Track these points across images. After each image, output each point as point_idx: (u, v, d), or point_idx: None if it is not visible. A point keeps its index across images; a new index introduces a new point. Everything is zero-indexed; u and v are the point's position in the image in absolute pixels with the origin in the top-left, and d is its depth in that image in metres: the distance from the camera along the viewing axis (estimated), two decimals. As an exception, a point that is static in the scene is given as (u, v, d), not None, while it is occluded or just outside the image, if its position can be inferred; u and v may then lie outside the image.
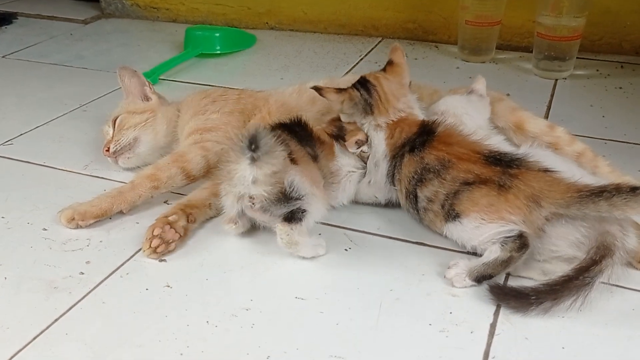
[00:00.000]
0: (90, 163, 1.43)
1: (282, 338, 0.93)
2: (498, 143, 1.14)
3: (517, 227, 0.98)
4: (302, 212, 1.05)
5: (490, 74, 1.90)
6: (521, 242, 0.98)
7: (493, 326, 0.94)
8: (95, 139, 1.49)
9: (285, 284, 1.04)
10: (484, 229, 1.01)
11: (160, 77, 1.92)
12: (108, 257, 1.11)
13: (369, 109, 1.16)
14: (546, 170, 1.01)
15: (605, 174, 1.20)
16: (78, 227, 1.18)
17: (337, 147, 1.20)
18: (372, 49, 2.15)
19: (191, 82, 1.90)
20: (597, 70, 1.91)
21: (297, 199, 1.04)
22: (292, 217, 1.05)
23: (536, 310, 0.94)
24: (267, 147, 0.97)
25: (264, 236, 1.14)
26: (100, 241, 1.15)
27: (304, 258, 1.08)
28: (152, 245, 1.09)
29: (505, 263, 0.99)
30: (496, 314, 0.96)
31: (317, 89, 1.19)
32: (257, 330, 0.94)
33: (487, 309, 0.97)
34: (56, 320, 0.97)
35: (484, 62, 2.00)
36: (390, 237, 1.15)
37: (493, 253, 0.99)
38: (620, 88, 1.79)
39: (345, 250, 1.12)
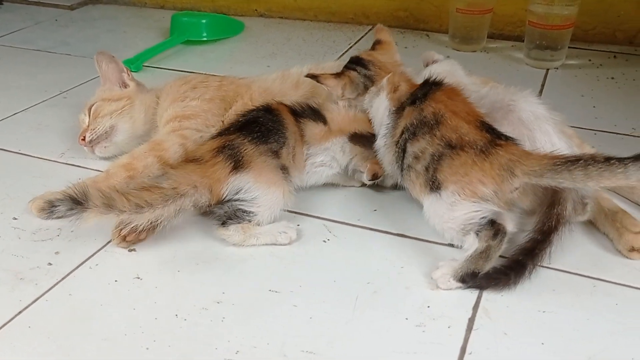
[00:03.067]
0: (66, 151, 1.39)
1: (252, 332, 0.90)
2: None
3: (488, 208, 0.95)
4: (244, 213, 1.05)
5: (481, 64, 1.87)
6: (495, 229, 0.94)
7: (471, 321, 0.91)
8: (74, 127, 1.44)
9: (260, 277, 1.01)
10: (457, 207, 0.96)
11: (145, 64, 1.89)
12: (78, 248, 1.07)
13: (369, 82, 1.12)
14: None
15: None
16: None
17: (338, 140, 1.17)
18: (362, 37, 2.11)
19: (176, 69, 1.86)
20: (590, 60, 1.87)
21: (237, 200, 1.05)
22: (228, 220, 1.05)
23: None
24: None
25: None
26: (72, 231, 1.11)
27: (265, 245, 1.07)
28: (121, 234, 1.05)
29: (485, 254, 0.95)
30: (475, 308, 0.93)
31: (314, 76, 1.15)
32: (227, 324, 0.91)
33: (466, 303, 0.94)
34: (20, 312, 0.94)
35: (474, 51, 1.96)
36: (371, 229, 1.12)
37: (472, 246, 0.96)
38: (613, 78, 1.75)
39: (324, 241, 1.09)
